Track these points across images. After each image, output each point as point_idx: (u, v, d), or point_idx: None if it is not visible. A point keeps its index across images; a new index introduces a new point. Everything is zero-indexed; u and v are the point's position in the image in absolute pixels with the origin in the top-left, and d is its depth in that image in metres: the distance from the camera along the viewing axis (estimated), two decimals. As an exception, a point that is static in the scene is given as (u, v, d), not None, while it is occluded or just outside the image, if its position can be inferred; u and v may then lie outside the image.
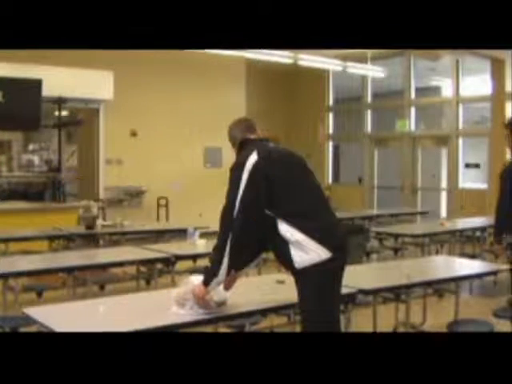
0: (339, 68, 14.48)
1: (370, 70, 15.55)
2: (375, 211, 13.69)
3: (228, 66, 13.64)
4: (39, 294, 7.28)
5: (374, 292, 5.07)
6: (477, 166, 14.77)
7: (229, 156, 13.31)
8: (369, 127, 16.61)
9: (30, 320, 3.97)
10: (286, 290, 4.60)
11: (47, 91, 10.59)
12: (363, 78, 16.33)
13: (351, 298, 4.73)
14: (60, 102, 11.07)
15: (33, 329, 4.65)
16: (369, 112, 16.64)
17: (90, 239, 8.43)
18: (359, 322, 5.34)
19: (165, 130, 13.11)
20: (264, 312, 4.48)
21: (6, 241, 7.79)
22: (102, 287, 7.79)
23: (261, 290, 4.88)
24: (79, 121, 12.50)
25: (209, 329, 4.87)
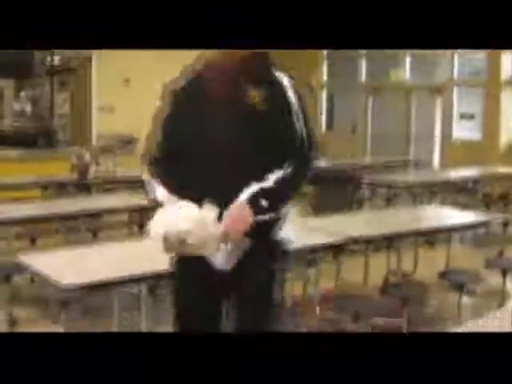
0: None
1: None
2: (368, 160, 13.68)
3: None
4: (32, 242, 7.29)
5: (366, 241, 5.09)
6: (472, 116, 14.70)
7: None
8: (363, 76, 16.51)
9: (23, 267, 3.98)
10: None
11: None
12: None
13: (342, 247, 4.75)
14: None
15: (26, 276, 4.68)
16: (363, 60, 16.53)
17: (83, 187, 8.40)
18: (350, 270, 5.38)
19: (158, 78, 12.96)
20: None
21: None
22: (94, 234, 7.80)
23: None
24: (72, 68, 12.39)
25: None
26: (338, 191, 8.79)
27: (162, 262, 3.98)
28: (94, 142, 12.20)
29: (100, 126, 12.37)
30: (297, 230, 4.91)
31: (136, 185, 8.56)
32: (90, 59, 12.26)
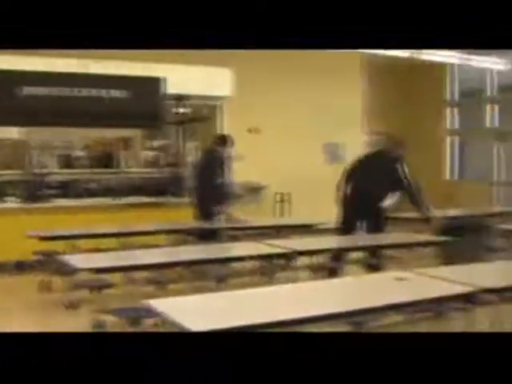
0: (460, 61, 14.14)
1: (492, 62, 15.12)
2: (500, 208, 13.26)
3: (345, 61, 13.52)
4: (160, 287, 7.42)
5: (498, 291, 4.91)
6: None
7: (351, 152, 13.13)
8: (492, 122, 16.14)
9: (151, 311, 4.02)
10: (406, 288, 4.53)
11: (168, 89, 10.73)
12: (486, 71, 15.87)
13: (473, 297, 4.59)
14: (181, 99, 11.24)
15: (154, 320, 4.74)
16: (493, 106, 16.17)
17: (211, 234, 8.49)
18: (481, 321, 5.20)
19: (284, 126, 13.13)
20: (382, 309, 4.42)
21: (127, 234, 7.99)
22: (221, 281, 7.87)
23: (379, 287, 4.83)
24: (201, 117, 12.65)
25: (328, 326, 4.86)
26: (470, 240, 8.60)
27: (287, 310, 3.97)
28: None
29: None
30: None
31: (263, 233, 8.63)
32: (217, 108, 12.49)
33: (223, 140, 9.10)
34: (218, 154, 8.99)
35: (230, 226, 8.62)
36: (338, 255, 7.68)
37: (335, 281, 5.85)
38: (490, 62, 14.94)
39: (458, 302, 4.67)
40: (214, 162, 8.92)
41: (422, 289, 4.71)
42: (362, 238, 8.38)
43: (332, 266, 7.60)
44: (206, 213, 8.67)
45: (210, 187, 8.70)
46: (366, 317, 4.39)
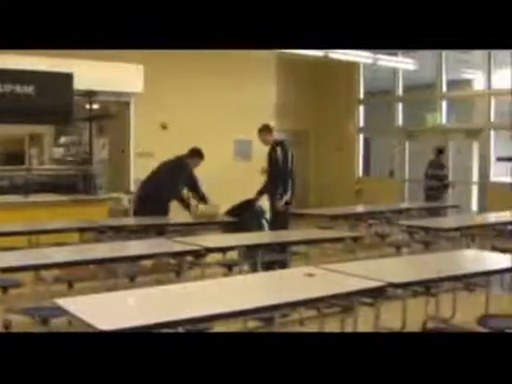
0: (370, 61, 14.41)
1: (400, 62, 15.47)
2: (406, 204, 13.57)
3: (258, 59, 13.62)
4: (70, 286, 7.34)
5: (404, 285, 5.04)
6: (510, 159, 14.53)
7: (258, 149, 13.28)
8: (400, 120, 16.50)
9: (61, 311, 3.98)
10: (315, 283, 4.59)
11: (78, 85, 10.61)
12: (394, 71, 16.24)
13: (381, 292, 4.70)
14: (90, 95, 11.12)
15: (63, 319, 4.69)
16: (400, 105, 16.53)
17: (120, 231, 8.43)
18: (388, 316, 5.32)
19: (195, 123, 13.12)
20: (293, 305, 4.47)
21: (37, 233, 7.86)
22: (132, 279, 7.82)
23: (290, 283, 4.88)
24: (110, 114, 12.55)
25: (238, 322, 4.89)
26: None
27: (198, 307, 3.98)
28: (132, 187, 12.27)
29: (138, 171, 12.44)
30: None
31: (173, 230, 8.61)
32: (127, 104, 12.40)
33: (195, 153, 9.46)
34: (186, 164, 9.40)
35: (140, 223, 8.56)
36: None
37: (245, 277, 5.88)
38: (397, 62, 15.29)
39: (367, 296, 4.77)
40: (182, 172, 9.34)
41: (332, 284, 4.79)
42: (270, 234, 8.48)
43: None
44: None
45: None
46: (276, 313, 4.43)
